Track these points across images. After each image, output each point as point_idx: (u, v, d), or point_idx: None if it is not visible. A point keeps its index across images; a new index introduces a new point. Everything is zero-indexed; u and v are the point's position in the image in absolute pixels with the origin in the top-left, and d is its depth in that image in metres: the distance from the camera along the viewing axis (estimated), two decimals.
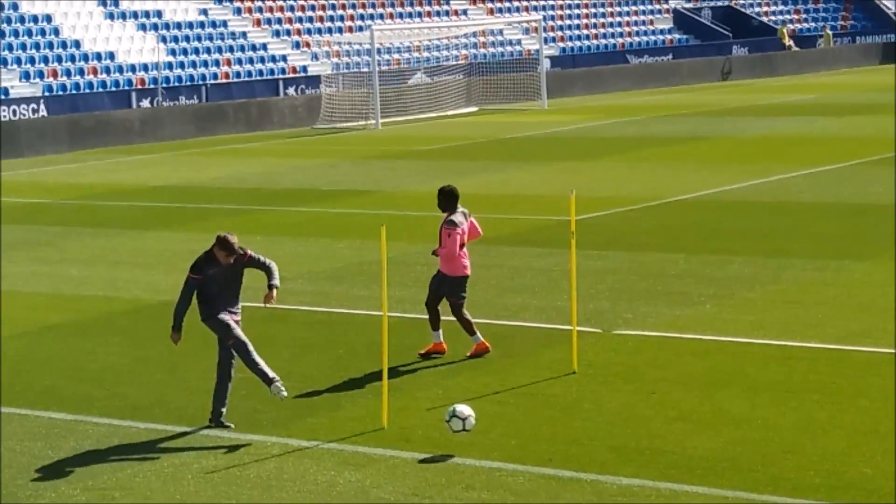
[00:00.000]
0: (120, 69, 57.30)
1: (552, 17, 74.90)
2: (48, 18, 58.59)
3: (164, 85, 56.19)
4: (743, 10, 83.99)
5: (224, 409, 13.85)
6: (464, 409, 12.84)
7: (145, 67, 57.79)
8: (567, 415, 13.72)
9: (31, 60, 55.70)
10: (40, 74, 55.08)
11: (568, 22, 76.04)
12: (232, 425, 13.69)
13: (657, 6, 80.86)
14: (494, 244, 24.12)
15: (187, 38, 61.41)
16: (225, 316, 14.19)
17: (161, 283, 21.76)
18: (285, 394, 13.76)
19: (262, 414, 14.14)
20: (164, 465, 12.61)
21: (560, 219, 25.59)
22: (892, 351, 15.71)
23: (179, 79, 58.00)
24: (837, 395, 14.03)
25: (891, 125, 42.86)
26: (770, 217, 26.01)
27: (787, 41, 79.49)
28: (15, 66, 54.98)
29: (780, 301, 18.63)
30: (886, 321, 17.14)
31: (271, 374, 13.82)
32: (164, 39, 60.03)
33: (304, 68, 62.77)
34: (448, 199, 16.33)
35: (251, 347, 13.99)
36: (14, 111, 51.36)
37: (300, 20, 66.56)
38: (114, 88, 55.88)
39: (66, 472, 12.55)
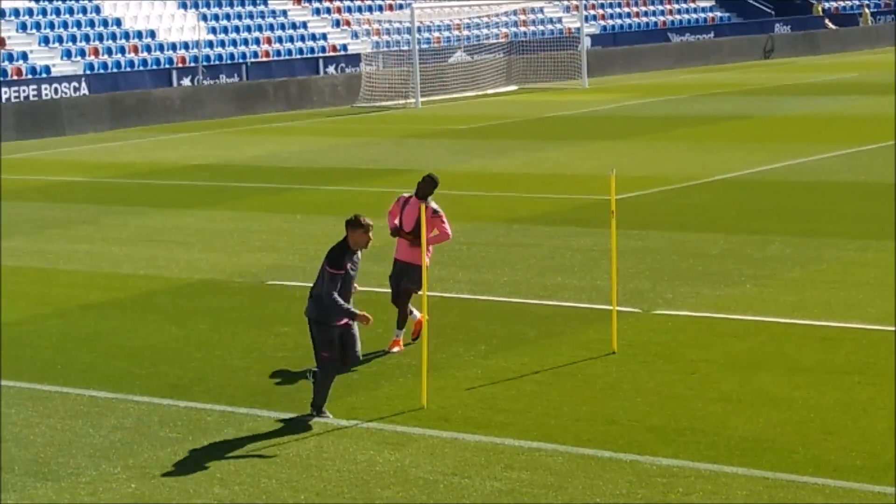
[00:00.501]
0: (161, 47, 57.45)
1: None
2: None
3: (205, 63, 56.29)
4: None
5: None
6: None
7: (186, 46, 57.92)
8: (606, 395, 13.69)
9: (73, 39, 55.90)
10: (81, 53, 55.27)
11: (609, 0, 75.74)
12: (330, 415, 13.14)
13: None
14: (534, 224, 24.10)
15: (227, 17, 61.50)
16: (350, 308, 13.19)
17: (201, 261, 21.83)
18: (329, 417, 13.17)
19: (300, 392, 14.16)
20: (204, 444, 12.64)
21: (600, 198, 25.53)
22: None
23: (220, 57, 58.10)
24: (878, 376, 13.95)
25: None
26: (810, 197, 25.86)
27: (821, 15, 79.19)
28: (56, 45, 55.20)
29: (821, 281, 18.53)
30: None
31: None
32: (204, 18, 60.13)
33: (345, 47, 62.79)
34: (433, 187, 15.95)
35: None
36: (56, 89, 51.57)
37: None
38: (154, 67, 56.03)
39: (106, 449, 12.61)
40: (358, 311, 13.08)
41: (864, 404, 13.03)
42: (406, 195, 16.07)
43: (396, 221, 15.95)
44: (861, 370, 14.19)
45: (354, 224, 13.50)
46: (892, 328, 15.89)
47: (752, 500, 10.75)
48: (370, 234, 13.47)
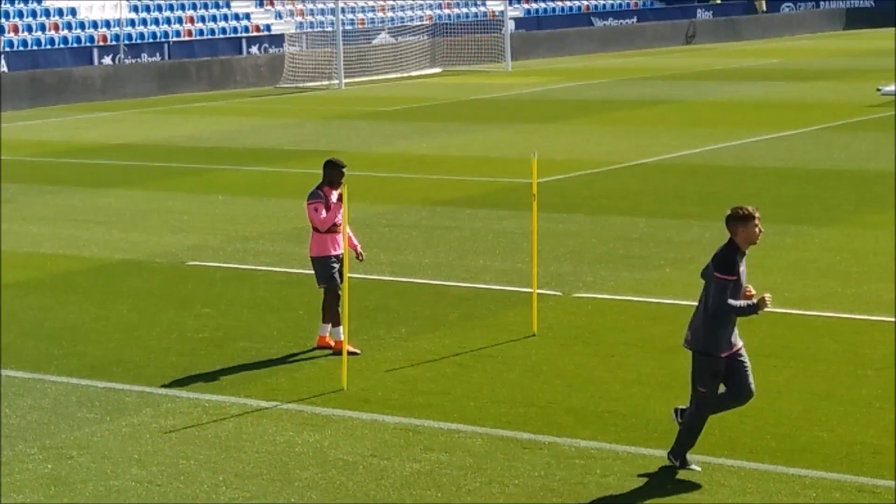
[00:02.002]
0: (82, 25, 56.89)
1: None
2: None
3: (126, 42, 55.82)
4: None
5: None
6: None
7: (107, 24, 57.39)
8: (526, 377, 13.75)
9: None
10: (1, 30, 54.62)
11: None
12: (698, 468, 11.07)
13: None
14: (456, 206, 24.13)
15: None
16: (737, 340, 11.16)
17: (121, 241, 21.67)
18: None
19: (220, 374, 14.12)
20: (122, 425, 12.58)
21: (522, 181, 25.60)
22: (850, 316, 15.81)
23: (142, 36, 57.63)
24: (795, 360, 14.11)
25: (853, 91, 43.03)
26: (731, 181, 26.07)
27: (762, 5, 79.81)
28: None
29: None
30: (844, 286, 17.24)
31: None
32: None
33: (268, 27, 62.48)
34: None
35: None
36: None
37: None
38: (75, 45, 55.49)
39: (23, 430, 12.50)
40: (755, 299, 11.04)
41: (779, 387, 13.17)
42: (330, 190, 14.79)
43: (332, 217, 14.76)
44: (777, 353, 14.34)
45: (743, 218, 10.99)
46: (809, 312, 16.07)
47: (669, 482, 10.84)
48: (759, 224, 11.10)
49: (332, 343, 14.78)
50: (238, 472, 11.31)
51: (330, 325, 14.88)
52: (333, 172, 14.85)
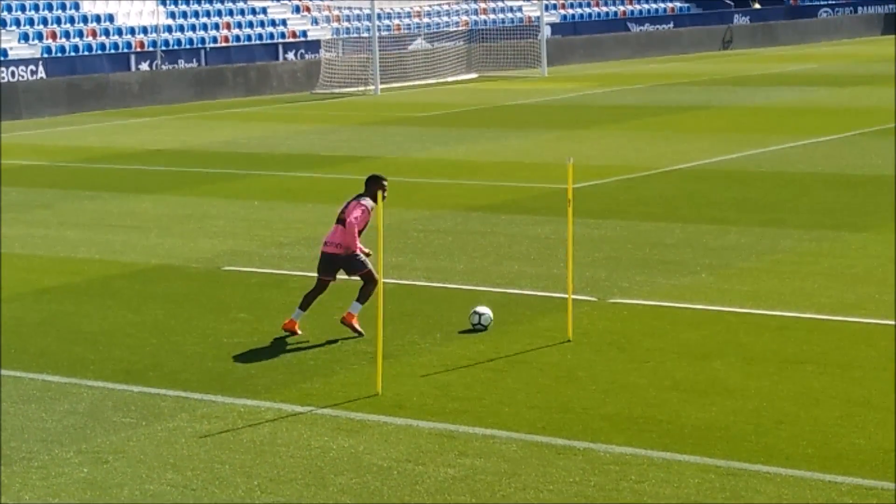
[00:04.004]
0: (119, 32, 57.16)
1: None
2: None
3: (164, 48, 56.06)
4: None
5: None
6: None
7: (144, 30, 57.64)
8: (561, 383, 13.72)
9: (31, 22, 55.55)
10: (39, 36, 54.93)
11: None
12: None
13: None
14: (491, 211, 24.12)
15: (186, 1, 61.26)
16: None
17: (157, 246, 21.75)
18: None
19: (255, 378, 14.14)
20: (158, 429, 12.61)
21: (558, 187, 25.56)
22: (888, 322, 15.71)
23: (179, 42, 57.86)
24: (831, 366, 14.03)
25: (891, 97, 42.80)
26: (768, 187, 25.98)
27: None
28: (14, 28, 54.84)
29: (776, 271, 18.62)
30: (881, 292, 17.15)
31: None
32: (163, 2, 59.85)
33: (304, 33, 62.62)
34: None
35: None
36: (13, 73, 51.27)
37: None
38: (113, 51, 55.76)
39: (59, 434, 12.55)
40: None
41: (816, 394, 13.11)
42: (370, 202, 15.69)
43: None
44: (814, 360, 14.27)
45: None
46: (845, 318, 15.99)
47: (704, 488, 10.80)
48: None
49: (355, 323, 15.71)
50: (273, 477, 11.32)
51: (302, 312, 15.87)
52: (375, 186, 15.54)
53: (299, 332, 15.85)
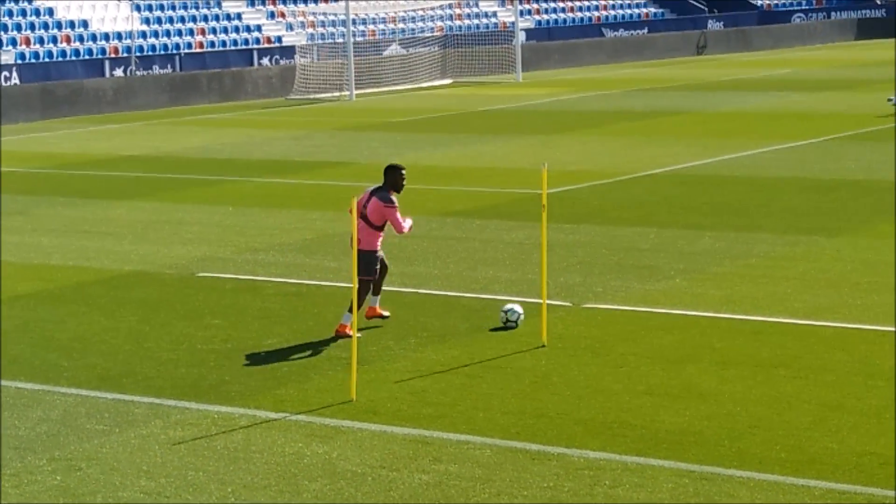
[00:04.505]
0: (93, 37, 57.02)
1: None
2: None
3: (138, 54, 55.94)
4: None
5: None
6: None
7: (119, 36, 57.52)
8: (535, 388, 13.73)
9: (4, 28, 55.38)
10: (13, 42, 54.76)
11: None
12: None
13: None
14: (466, 217, 24.13)
15: (161, 7, 61.13)
16: None
17: (131, 252, 21.70)
18: None
19: (229, 385, 14.12)
20: (131, 436, 12.57)
21: (532, 192, 25.59)
22: (861, 326, 15.77)
23: (153, 48, 57.75)
24: (805, 370, 14.07)
25: (864, 102, 42.98)
26: (742, 192, 26.05)
27: None
28: None
29: (750, 276, 18.67)
30: (855, 296, 17.21)
31: None
32: (137, 8, 59.72)
33: (279, 38, 62.57)
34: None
35: None
36: None
37: None
38: (87, 57, 55.61)
39: (32, 441, 12.50)
40: None
41: (789, 398, 13.14)
42: (393, 192, 15.95)
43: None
44: (787, 364, 14.31)
45: None
46: (818, 322, 16.04)
47: (678, 493, 10.82)
48: None
49: (380, 312, 16.21)
50: (247, 484, 11.30)
51: (377, 297, 16.19)
52: (396, 176, 15.87)
53: (386, 313, 16.35)
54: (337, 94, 53.70)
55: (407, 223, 15.96)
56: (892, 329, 15.59)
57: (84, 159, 35.04)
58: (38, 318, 17.50)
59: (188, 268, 20.40)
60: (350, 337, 14.85)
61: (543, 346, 15.20)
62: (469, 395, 13.55)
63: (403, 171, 16.03)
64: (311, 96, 53.15)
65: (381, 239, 15.99)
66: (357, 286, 14.60)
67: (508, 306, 16.15)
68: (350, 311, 15.31)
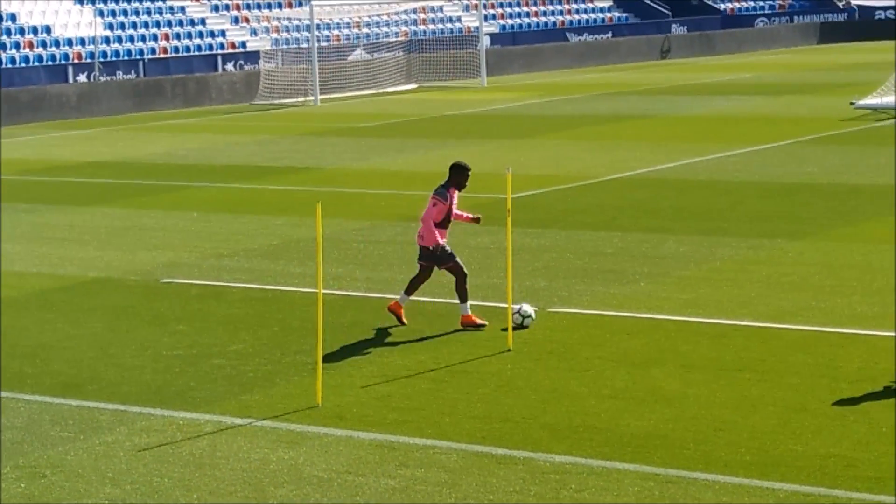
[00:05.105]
0: (56, 43, 56.79)
1: None
2: None
3: (102, 59, 55.75)
4: None
5: None
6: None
7: (82, 42, 57.30)
8: (501, 393, 13.75)
9: None
10: None
11: None
12: None
13: None
14: None
15: (125, 13, 60.94)
16: None
17: (96, 259, 21.62)
18: None
19: (195, 391, 14.09)
20: (96, 443, 12.53)
21: (497, 196, 25.59)
22: (824, 329, 15.85)
23: (117, 53, 57.56)
24: (769, 373, 14.14)
25: (827, 105, 43.20)
26: (706, 196, 26.14)
27: None
28: None
29: (714, 279, 18.74)
30: (818, 299, 17.29)
31: None
32: (101, 13, 59.55)
33: (243, 44, 62.46)
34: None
35: None
36: None
37: None
38: (50, 63, 55.39)
39: None
40: None
41: (754, 401, 13.20)
42: (454, 191, 16.49)
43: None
44: (751, 367, 14.37)
45: None
46: (782, 325, 16.12)
47: (644, 496, 10.85)
48: None
49: (474, 319, 16.23)
50: (212, 490, 11.27)
51: (468, 303, 16.28)
52: (460, 175, 16.34)
53: (405, 320, 16.39)
54: (301, 99, 53.64)
55: (440, 238, 16.29)
56: (856, 332, 15.69)
57: (47, 165, 34.90)
58: (1, 325, 17.39)
59: (153, 274, 20.35)
60: (402, 323, 16.26)
61: (509, 350, 15.23)
62: (435, 399, 13.56)
63: (469, 172, 16.49)
64: (276, 101, 53.08)
65: (442, 233, 16.34)
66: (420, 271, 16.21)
67: (522, 307, 16.13)
68: (406, 291, 16.45)
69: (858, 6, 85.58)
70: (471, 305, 16.47)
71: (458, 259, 16.40)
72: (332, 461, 11.87)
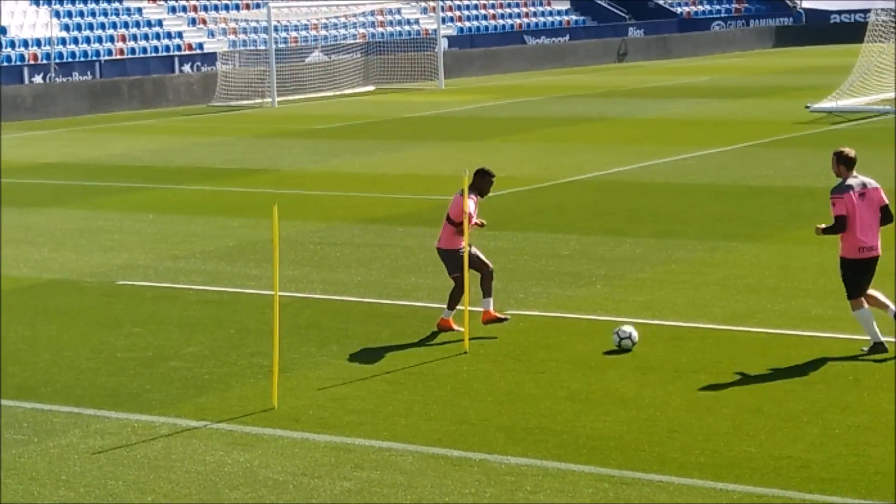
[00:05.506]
0: (12, 44, 56.45)
1: None
2: None
3: (58, 60, 55.47)
4: None
5: None
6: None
7: (38, 42, 56.99)
8: (457, 395, 13.76)
9: None
10: None
11: (466, 2, 76.08)
12: None
13: None
14: (388, 224, 24.13)
15: (81, 14, 60.66)
16: None
17: (50, 261, 21.51)
18: None
19: (150, 393, 14.04)
20: (50, 446, 12.47)
21: None
22: (778, 331, 15.93)
23: (73, 54, 57.29)
24: (723, 375, 14.20)
25: (782, 108, 43.42)
26: (662, 198, 26.24)
27: None
28: None
29: (670, 282, 18.81)
30: (772, 302, 17.38)
31: None
32: (57, 14, 59.25)
33: (200, 45, 62.27)
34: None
35: None
36: None
37: None
38: (6, 63, 55.06)
39: None
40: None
41: (708, 403, 13.26)
42: (476, 197, 16.28)
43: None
44: (706, 369, 14.43)
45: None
46: (737, 328, 16.19)
47: (598, 497, 10.88)
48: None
49: (494, 314, 16.14)
50: (167, 493, 11.24)
51: (491, 299, 16.14)
52: (482, 180, 16.26)
53: (456, 327, 16.01)
54: (259, 100, 53.54)
55: (457, 243, 16.02)
56: (810, 334, 15.78)
57: (3, 166, 34.67)
58: None
59: (108, 276, 20.27)
60: (453, 330, 15.94)
61: (465, 352, 15.24)
62: (391, 402, 13.56)
63: (492, 178, 16.34)
64: (233, 103, 52.95)
65: (462, 237, 16.02)
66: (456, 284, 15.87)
67: (624, 329, 15.39)
68: (449, 307, 16.09)
69: (811, 10, 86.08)
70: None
71: (462, 276, 15.90)
72: (287, 463, 11.86)
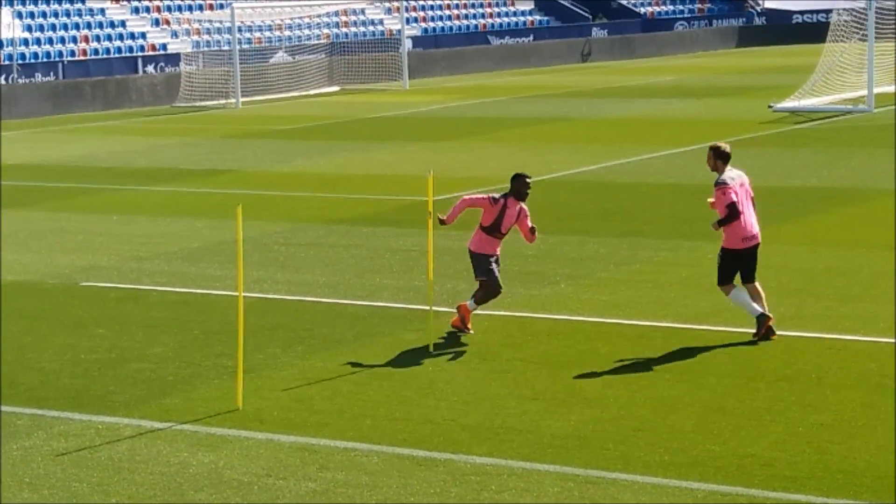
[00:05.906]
0: None
1: None
2: None
3: (20, 61, 55.20)
4: None
5: None
6: None
7: (0, 44, 56.70)
8: (422, 395, 13.76)
9: None
10: None
11: (430, 2, 76.11)
12: None
13: None
14: (353, 224, 24.12)
15: (44, 15, 60.40)
16: None
17: (13, 262, 21.41)
18: None
19: (114, 395, 13.99)
20: (13, 448, 12.41)
21: (419, 199, 25.64)
22: (741, 330, 15.99)
23: (35, 55, 57.04)
24: (687, 374, 14.25)
25: (747, 107, 43.59)
26: (626, 198, 26.30)
27: None
28: None
29: (635, 281, 18.86)
30: None
31: None
32: (20, 15, 58.97)
33: (164, 46, 62.10)
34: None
35: None
36: None
37: None
38: None
39: None
40: None
41: (672, 401, 13.30)
42: (514, 201, 16.18)
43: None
44: (671, 368, 14.47)
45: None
46: (701, 326, 16.25)
47: (564, 497, 10.90)
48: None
49: (465, 321, 16.05)
50: (131, 495, 11.20)
51: (477, 306, 16.09)
52: (518, 183, 16.19)
53: (469, 329, 16.02)
54: (223, 101, 53.45)
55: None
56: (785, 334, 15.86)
57: None
58: None
59: (71, 277, 20.19)
60: (463, 328, 15.96)
61: (430, 352, 15.24)
62: (356, 402, 13.56)
63: (529, 180, 16.25)
64: (197, 104, 52.84)
65: (496, 246, 16.17)
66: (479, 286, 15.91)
67: None
68: (474, 299, 16.02)
69: (773, 10, 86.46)
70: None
71: (494, 279, 16.00)
72: (252, 464, 11.84)
